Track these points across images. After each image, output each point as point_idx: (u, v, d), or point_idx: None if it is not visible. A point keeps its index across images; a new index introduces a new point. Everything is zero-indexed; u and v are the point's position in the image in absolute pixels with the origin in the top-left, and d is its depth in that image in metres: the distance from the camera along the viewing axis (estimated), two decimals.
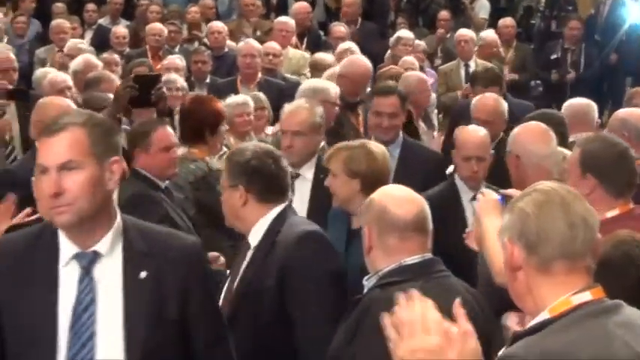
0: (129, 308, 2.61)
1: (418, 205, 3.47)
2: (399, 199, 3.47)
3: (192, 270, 2.75)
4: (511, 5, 15.68)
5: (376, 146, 4.42)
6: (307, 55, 10.93)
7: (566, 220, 2.41)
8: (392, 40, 11.00)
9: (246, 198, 3.67)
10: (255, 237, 3.68)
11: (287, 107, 5.25)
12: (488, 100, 6.22)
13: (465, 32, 11.10)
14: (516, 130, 5.02)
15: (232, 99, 7.01)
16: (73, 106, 5.83)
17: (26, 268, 2.76)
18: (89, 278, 2.64)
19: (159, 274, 2.67)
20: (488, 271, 3.42)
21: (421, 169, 5.38)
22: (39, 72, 9.07)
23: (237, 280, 3.68)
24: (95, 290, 2.61)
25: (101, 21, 13.22)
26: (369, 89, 7.46)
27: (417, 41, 11.18)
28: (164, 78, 7.85)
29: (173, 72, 8.48)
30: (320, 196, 4.68)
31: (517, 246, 2.38)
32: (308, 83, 7.37)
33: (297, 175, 4.83)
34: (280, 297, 3.64)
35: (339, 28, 11.79)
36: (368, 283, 3.44)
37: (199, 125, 5.91)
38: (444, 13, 13.22)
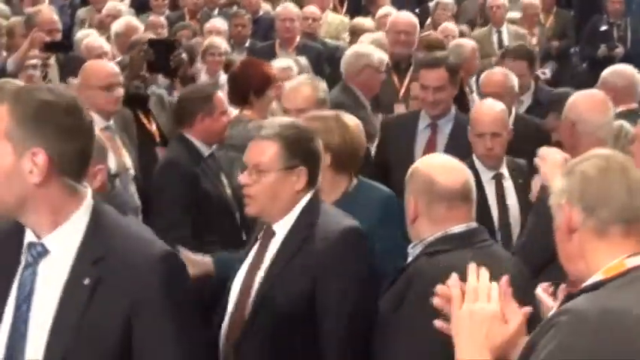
0: (60, 313, 2.39)
1: (464, 174, 3.45)
2: (446, 168, 3.45)
3: (151, 283, 2.41)
4: None
5: (351, 119, 4.22)
6: (346, 19, 10.92)
7: (626, 186, 2.43)
8: (431, 5, 11.11)
9: (305, 182, 3.34)
10: (284, 226, 3.37)
11: (288, 84, 5.12)
12: (496, 74, 6.06)
13: None
14: (574, 96, 4.97)
15: (276, 63, 6.92)
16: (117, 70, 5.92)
17: (2, 253, 2.60)
18: (32, 270, 2.45)
19: (108, 283, 2.39)
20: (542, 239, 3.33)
21: None
22: (79, 34, 9.09)
23: (261, 276, 3.36)
24: (34, 283, 2.42)
25: None
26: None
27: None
28: (207, 42, 8.47)
29: (215, 35, 8.64)
30: None
31: (575, 209, 2.38)
32: (353, 48, 7.29)
33: None
34: (312, 296, 3.42)
35: None
36: (413, 250, 3.43)
37: (246, 88, 5.88)
38: None
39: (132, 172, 5.72)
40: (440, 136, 5.24)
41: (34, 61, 7.07)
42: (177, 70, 7.11)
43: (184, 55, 7.22)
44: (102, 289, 2.36)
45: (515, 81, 5.96)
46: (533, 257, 4.21)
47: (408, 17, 8.33)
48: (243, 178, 3.35)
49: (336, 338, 3.35)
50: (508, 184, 4.64)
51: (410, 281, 3.32)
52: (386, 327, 3.39)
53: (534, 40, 10.69)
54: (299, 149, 3.29)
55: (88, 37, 8.32)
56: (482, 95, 5.77)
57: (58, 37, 8.22)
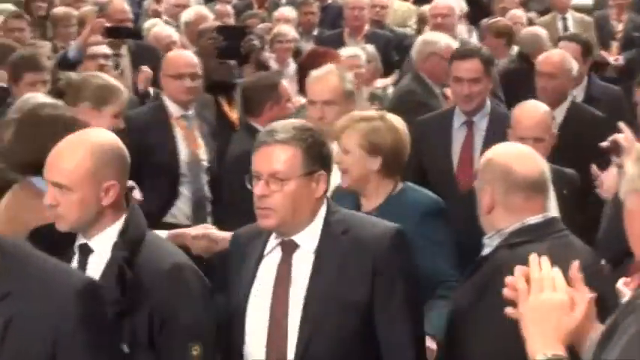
0: None
1: (541, 163, 3.43)
2: (523, 157, 3.43)
3: (67, 318, 2.32)
4: None
5: (396, 119, 4.01)
6: (413, 7, 11.01)
7: None
8: None
9: (325, 187, 3.11)
10: (309, 238, 3.09)
11: (313, 74, 4.82)
12: (554, 55, 5.95)
13: None
14: None
15: (344, 51, 6.96)
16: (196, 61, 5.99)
17: None
18: None
19: (18, 321, 2.30)
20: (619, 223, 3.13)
21: None
22: (147, 23, 9.22)
23: (298, 300, 3.04)
24: None
25: None
26: None
27: None
28: (275, 30, 8.56)
29: (284, 23, 8.73)
30: None
31: None
32: (421, 36, 7.38)
33: None
34: (370, 305, 3.19)
35: None
36: (490, 241, 3.39)
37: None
38: None
39: (205, 163, 5.79)
40: (477, 134, 5.11)
41: (106, 51, 7.09)
42: (249, 56, 7.14)
43: (256, 42, 7.29)
44: (12, 328, 2.29)
45: (573, 64, 5.82)
46: (612, 248, 4.00)
47: (445, 1, 8.40)
48: (259, 189, 2.98)
49: (407, 333, 3.17)
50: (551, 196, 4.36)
51: (494, 272, 3.26)
52: (467, 317, 3.38)
53: (620, 27, 10.50)
54: (318, 153, 3.04)
55: (155, 26, 8.53)
56: (538, 74, 5.65)
57: (129, 26, 8.42)
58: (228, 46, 7.13)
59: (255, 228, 3.14)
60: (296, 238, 2.97)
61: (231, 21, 9.29)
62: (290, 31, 8.38)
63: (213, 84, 6.64)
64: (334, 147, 3.74)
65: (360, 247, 2.94)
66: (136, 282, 2.92)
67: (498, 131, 4.80)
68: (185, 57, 6.12)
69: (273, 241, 3.03)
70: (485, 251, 3.45)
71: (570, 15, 10.43)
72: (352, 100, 4.65)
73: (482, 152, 4.37)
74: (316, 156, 2.96)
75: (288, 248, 3.00)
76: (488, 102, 5.20)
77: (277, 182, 2.91)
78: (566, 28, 10.15)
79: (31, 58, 6.46)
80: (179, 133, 5.93)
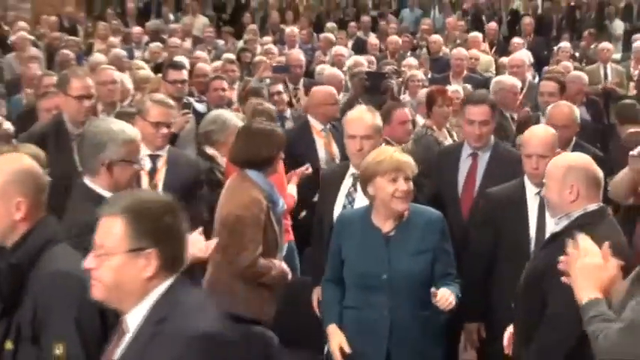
0: None
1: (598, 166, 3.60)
2: (592, 162, 3.64)
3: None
4: None
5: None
6: (493, 58, 12.06)
7: None
8: (555, 49, 12.53)
9: (157, 266, 2.48)
10: (134, 320, 2.50)
11: (350, 114, 4.75)
12: (564, 107, 5.68)
13: (606, 44, 12.09)
14: None
15: (450, 88, 7.77)
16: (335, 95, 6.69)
17: None
18: None
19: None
20: None
21: (511, 171, 4.66)
22: (318, 68, 10.44)
23: None
24: None
25: (359, 34, 15.50)
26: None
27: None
28: (409, 73, 9.53)
29: (414, 69, 9.84)
30: None
31: None
32: (495, 78, 8.34)
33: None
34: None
35: (518, 40, 13.16)
36: (559, 222, 3.59)
37: (430, 104, 6.67)
38: (590, 30, 14.79)
39: (337, 161, 6.22)
40: (480, 164, 4.99)
41: (280, 88, 7.90)
42: (386, 92, 7.93)
43: (391, 82, 8.23)
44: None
45: (577, 113, 5.72)
46: None
47: (519, 55, 9.63)
48: (87, 260, 2.49)
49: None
50: None
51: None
52: (543, 277, 3.50)
53: (636, 72, 11.13)
54: (148, 227, 2.45)
55: (325, 70, 9.48)
56: (553, 126, 5.12)
57: (302, 69, 9.65)
58: (372, 85, 8.04)
59: None
60: (127, 317, 2.49)
61: (374, 67, 10.04)
62: (419, 74, 9.20)
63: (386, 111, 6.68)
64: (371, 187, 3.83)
65: (163, 342, 2.36)
66: (25, 283, 2.86)
67: (498, 163, 4.91)
68: (328, 90, 6.76)
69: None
70: (557, 229, 3.64)
71: (610, 66, 11.28)
72: (380, 135, 4.61)
73: (482, 180, 4.85)
74: (146, 230, 2.43)
75: (122, 328, 2.53)
76: (492, 138, 5.09)
77: (101, 257, 2.45)
78: (606, 75, 11.21)
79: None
80: (319, 142, 6.58)
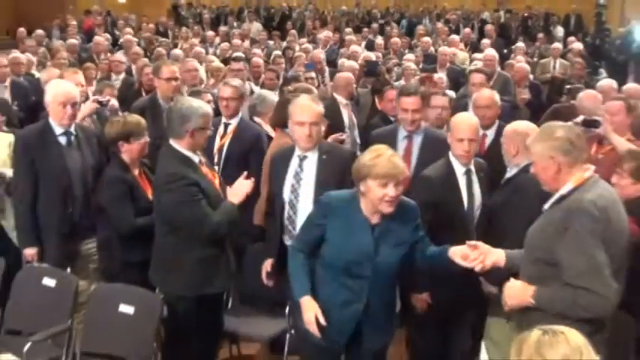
0: None
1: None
2: (530, 128, 3.61)
3: None
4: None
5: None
6: (467, 54, 11.16)
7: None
8: (513, 48, 11.80)
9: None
10: None
11: (298, 102, 3.79)
12: (485, 92, 5.04)
13: (556, 44, 11.58)
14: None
15: (436, 75, 7.45)
16: None
17: None
18: None
19: None
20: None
21: (439, 150, 3.94)
22: (340, 60, 9.67)
23: None
24: None
25: (370, 36, 14.37)
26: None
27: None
28: (405, 64, 8.57)
29: (410, 62, 8.89)
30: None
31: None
32: (469, 69, 7.55)
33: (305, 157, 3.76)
34: None
35: (486, 41, 12.49)
36: (511, 170, 3.67)
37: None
38: (541, 35, 14.26)
39: (355, 127, 6.07)
40: (414, 145, 4.40)
41: (312, 75, 7.60)
42: (379, 75, 7.66)
43: (382, 68, 8.03)
44: None
45: (497, 97, 4.99)
46: None
47: (491, 52, 8.67)
48: None
49: None
50: (474, 178, 3.82)
51: (517, 184, 3.55)
52: (502, 209, 3.52)
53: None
54: None
55: (345, 62, 8.77)
56: (476, 109, 4.85)
57: (322, 64, 9.22)
58: (369, 70, 8.18)
59: None
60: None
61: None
62: (412, 65, 8.54)
63: (372, 89, 6.88)
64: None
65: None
66: None
67: (429, 144, 4.34)
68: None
69: None
70: (510, 175, 3.71)
71: (558, 60, 10.57)
72: (324, 121, 3.88)
73: (418, 158, 4.27)
74: None
75: None
76: (423, 124, 4.49)
77: None
78: (554, 67, 10.41)
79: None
80: (344, 112, 6.18)
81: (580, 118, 4.41)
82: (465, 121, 3.87)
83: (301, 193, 3.72)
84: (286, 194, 3.76)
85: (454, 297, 3.68)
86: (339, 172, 3.59)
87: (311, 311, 3.03)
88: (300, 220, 3.54)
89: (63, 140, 4.06)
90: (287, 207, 3.76)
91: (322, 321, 2.99)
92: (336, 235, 3.07)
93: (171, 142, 3.60)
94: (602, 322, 2.64)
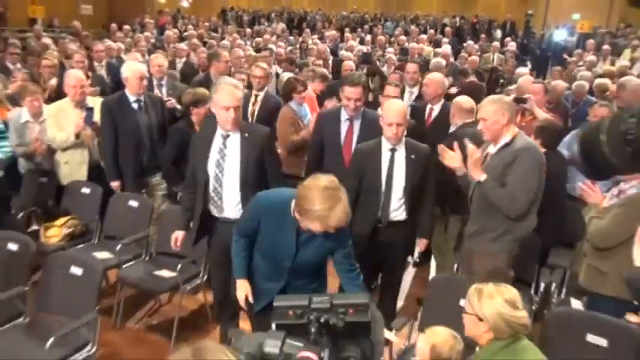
0: None
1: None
2: (468, 101, 3.56)
3: None
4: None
5: None
6: (431, 49, 10.48)
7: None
8: (465, 45, 11.15)
9: None
10: None
11: (222, 88, 2.99)
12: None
13: (495, 43, 10.96)
14: None
15: (408, 65, 6.13)
16: None
17: None
18: None
19: None
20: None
21: (377, 132, 3.27)
22: (341, 52, 9.20)
23: None
24: None
25: (362, 34, 13.91)
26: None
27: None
28: (387, 56, 8.32)
29: (390, 54, 8.58)
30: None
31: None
32: (432, 60, 7.29)
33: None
34: None
35: (445, 39, 12.23)
36: (456, 127, 3.46)
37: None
38: (483, 35, 13.78)
39: None
40: (355, 127, 3.73)
41: (320, 62, 7.13)
42: (371, 63, 7.45)
43: (373, 58, 7.84)
44: None
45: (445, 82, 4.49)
46: None
47: (446, 49, 8.47)
48: None
49: None
50: (399, 156, 3.19)
51: (457, 136, 3.24)
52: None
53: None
54: None
55: (344, 54, 8.38)
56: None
57: (325, 55, 8.41)
58: (363, 59, 8.06)
59: None
60: None
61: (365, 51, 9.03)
62: (392, 57, 8.19)
63: (367, 72, 6.43)
64: None
65: None
66: None
67: (367, 126, 3.66)
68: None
69: None
70: (452, 130, 3.63)
71: (496, 54, 9.86)
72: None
73: (358, 138, 3.63)
74: None
75: None
76: (363, 109, 3.71)
77: None
78: (494, 60, 9.70)
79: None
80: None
81: (512, 97, 4.28)
82: (394, 107, 3.19)
83: (226, 168, 3.00)
84: (211, 169, 3.04)
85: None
86: (259, 148, 3.02)
87: (243, 291, 2.58)
88: (225, 192, 3.00)
89: (135, 106, 3.95)
90: (212, 181, 3.04)
91: (250, 299, 2.57)
92: (267, 228, 2.46)
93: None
94: (514, 229, 2.78)
